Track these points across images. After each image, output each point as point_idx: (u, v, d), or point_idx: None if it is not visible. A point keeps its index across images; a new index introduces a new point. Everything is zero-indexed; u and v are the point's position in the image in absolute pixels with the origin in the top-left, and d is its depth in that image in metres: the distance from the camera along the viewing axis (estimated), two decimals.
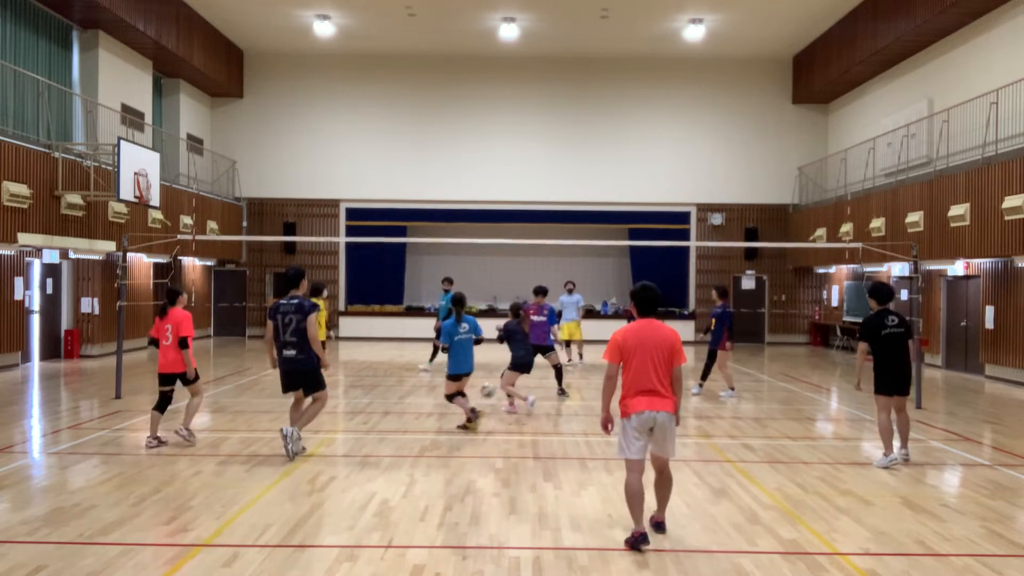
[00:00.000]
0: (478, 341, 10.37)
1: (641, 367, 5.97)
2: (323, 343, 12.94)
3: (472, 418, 10.21)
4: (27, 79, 16.54)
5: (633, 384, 6.00)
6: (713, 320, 13.51)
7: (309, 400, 8.85)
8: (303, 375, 8.58)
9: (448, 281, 16.42)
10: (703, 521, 6.62)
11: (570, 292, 17.75)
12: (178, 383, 9.20)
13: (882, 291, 8.58)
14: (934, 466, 8.78)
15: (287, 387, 8.73)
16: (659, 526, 6.26)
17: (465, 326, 10.21)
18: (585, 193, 25.38)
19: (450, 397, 10.30)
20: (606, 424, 6.22)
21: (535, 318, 13.62)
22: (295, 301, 8.50)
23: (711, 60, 25.22)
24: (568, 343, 17.89)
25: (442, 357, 17.40)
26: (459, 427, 10.31)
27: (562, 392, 13.43)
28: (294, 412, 8.86)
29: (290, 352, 8.48)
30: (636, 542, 5.84)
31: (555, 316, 14.35)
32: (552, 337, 13.81)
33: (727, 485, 7.76)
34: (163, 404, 9.19)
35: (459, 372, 10.18)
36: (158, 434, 9.13)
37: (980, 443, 9.97)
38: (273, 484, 7.55)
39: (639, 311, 6.22)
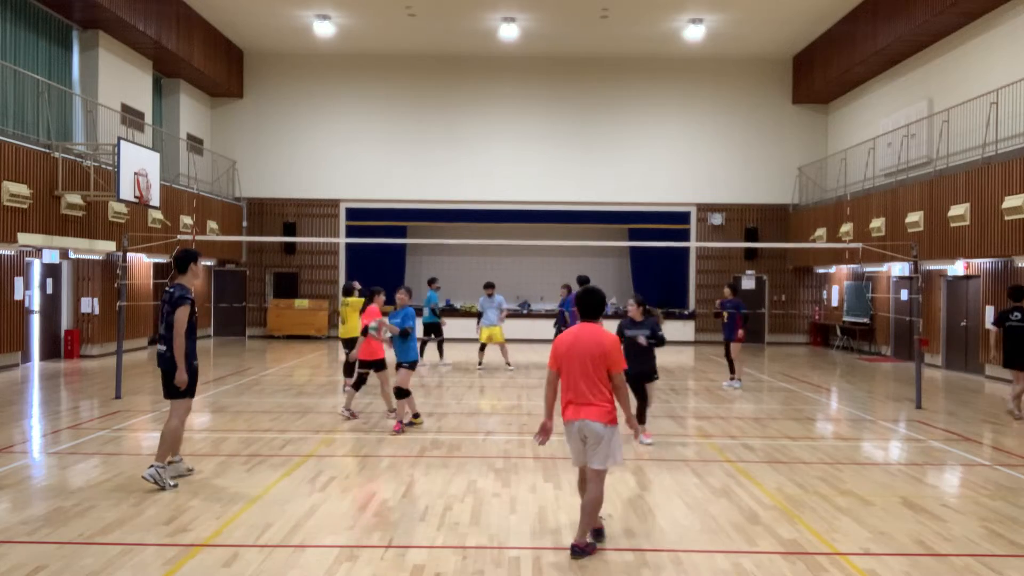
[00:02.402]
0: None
1: (570, 374, 5.78)
2: (354, 339, 13.17)
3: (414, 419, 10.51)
4: (27, 79, 16.53)
5: (563, 392, 5.85)
6: (726, 314, 14.42)
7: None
8: (167, 375, 7.35)
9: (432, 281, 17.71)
10: (703, 521, 6.62)
11: (490, 295, 17.03)
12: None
13: (1014, 291, 11.51)
14: (934, 466, 8.78)
15: (164, 389, 7.49)
16: (574, 550, 5.69)
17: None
18: (585, 193, 25.38)
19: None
20: (543, 430, 5.98)
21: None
22: (170, 290, 7.34)
23: (711, 60, 25.22)
24: (483, 346, 17.20)
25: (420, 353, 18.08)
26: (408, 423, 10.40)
27: None
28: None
29: (161, 347, 7.34)
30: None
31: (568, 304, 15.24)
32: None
33: (727, 485, 7.76)
34: (359, 383, 11.06)
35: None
36: (350, 408, 11.04)
37: (980, 443, 9.97)
38: (273, 484, 7.55)
39: (580, 315, 6.01)
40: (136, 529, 6.21)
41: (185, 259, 7.46)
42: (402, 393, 10.12)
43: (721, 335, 15.02)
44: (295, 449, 9.09)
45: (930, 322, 18.41)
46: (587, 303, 5.99)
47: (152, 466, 7.31)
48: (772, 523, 6.56)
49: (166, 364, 7.35)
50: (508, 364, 17.04)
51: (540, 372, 14.34)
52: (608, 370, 5.74)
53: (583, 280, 15.38)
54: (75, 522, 6.35)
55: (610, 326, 20.67)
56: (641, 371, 9.43)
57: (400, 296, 10.38)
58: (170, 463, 7.52)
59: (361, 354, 10.88)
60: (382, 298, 11.20)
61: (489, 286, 17.29)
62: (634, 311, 9.62)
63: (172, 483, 7.35)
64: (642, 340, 9.45)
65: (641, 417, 9.56)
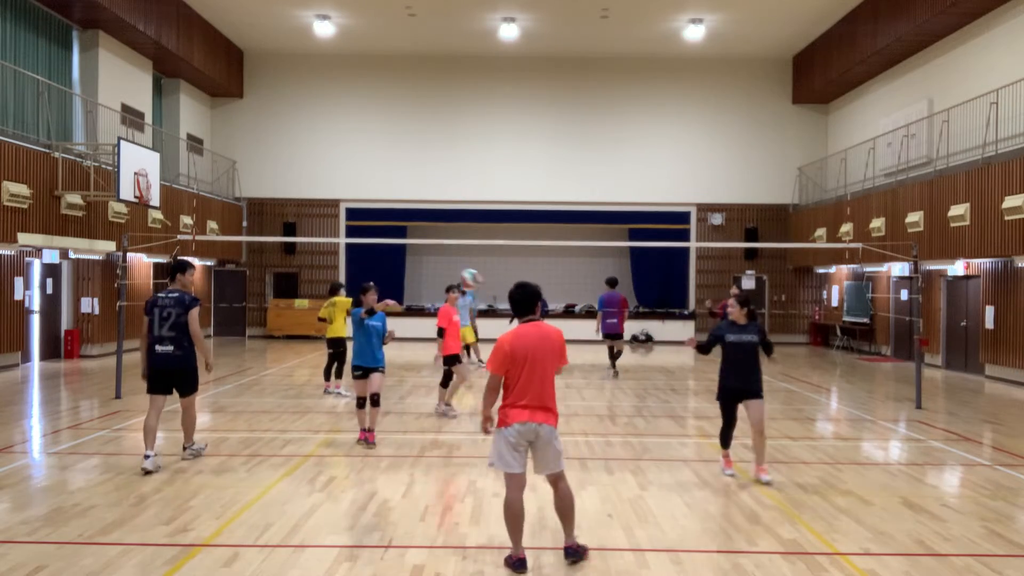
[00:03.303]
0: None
1: (530, 376, 5.45)
2: (340, 339, 13.15)
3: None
4: (27, 79, 16.53)
5: (518, 394, 5.46)
6: None
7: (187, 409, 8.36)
8: (180, 373, 8.04)
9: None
10: (703, 521, 6.62)
11: (463, 293, 16.69)
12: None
13: None
14: (934, 466, 8.78)
15: (156, 387, 8.02)
16: (569, 551, 5.60)
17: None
18: (585, 193, 25.38)
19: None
20: (486, 425, 5.63)
21: (613, 309, 15.81)
22: (175, 294, 8.07)
23: (711, 60, 25.22)
24: (468, 346, 17.11)
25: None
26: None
27: (615, 374, 16.15)
28: (153, 423, 7.99)
29: (166, 348, 7.95)
30: (516, 565, 5.42)
31: (602, 304, 16.03)
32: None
33: (727, 485, 7.76)
34: (446, 380, 11.53)
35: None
36: (449, 402, 11.56)
37: (980, 443, 9.97)
38: (273, 484, 7.55)
39: (517, 314, 5.65)
40: (136, 529, 6.21)
41: (173, 269, 8.31)
42: (377, 400, 9.36)
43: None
44: (295, 449, 9.09)
45: (930, 322, 18.41)
46: (522, 299, 5.63)
47: (186, 447, 8.49)
48: (772, 523, 6.56)
49: (175, 363, 8.02)
50: (480, 360, 17.40)
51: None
52: (557, 366, 5.61)
53: (612, 281, 16.34)
54: (75, 522, 6.35)
55: (581, 325, 20.20)
56: (744, 387, 7.84)
57: (372, 297, 9.36)
58: (147, 456, 7.99)
59: (445, 350, 11.19)
60: (456, 295, 11.49)
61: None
62: (736, 313, 7.95)
63: (203, 446, 8.72)
64: (748, 338, 7.78)
65: (760, 455, 7.89)
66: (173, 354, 7.95)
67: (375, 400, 9.26)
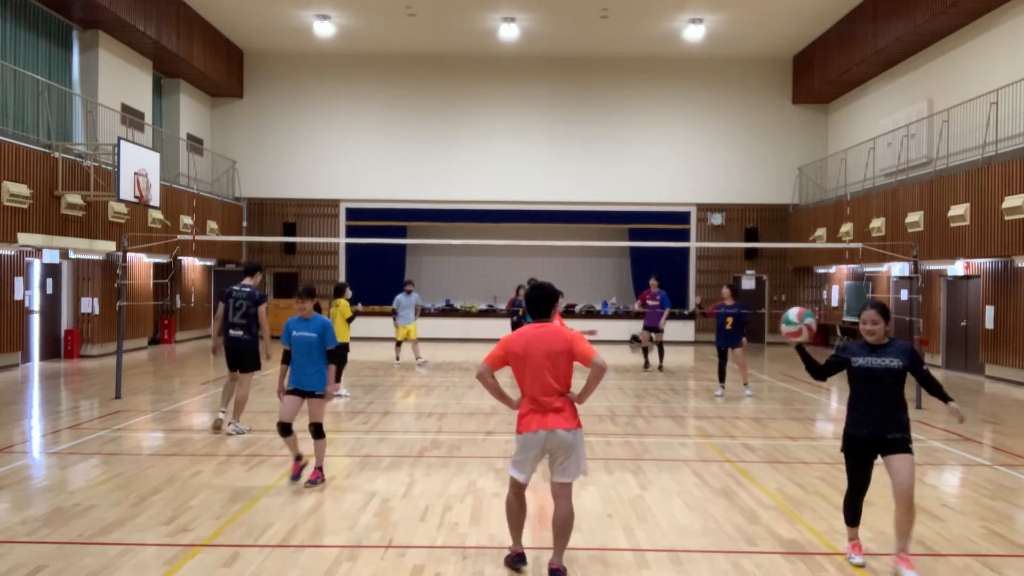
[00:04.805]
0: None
1: (531, 378, 5.28)
2: (346, 344, 13.07)
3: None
4: (27, 79, 16.53)
5: (525, 398, 5.35)
6: (730, 319, 13.55)
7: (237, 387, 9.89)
8: (247, 354, 9.74)
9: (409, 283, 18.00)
10: (703, 521, 6.62)
11: (408, 293, 17.41)
12: None
13: None
14: (934, 466, 8.78)
15: (232, 364, 9.82)
16: (553, 573, 5.22)
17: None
18: (585, 193, 25.38)
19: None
20: (513, 404, 5.48)
21: (650, 303, 16.79)
22: (247, 289, 9.67)
23: (711, 60, 25.22)
24: (400, 343, 17.66)
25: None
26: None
27: (660, 368, 17.28)
28: (230, 391, 9.94)
29: (237, 332, 9.65)
30: (514, 561, 5.43)
31: (668, 300, 16.97)
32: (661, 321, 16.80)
33: (727, 485, 7.76)
34: None
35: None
36: None
37: (980, 443, 9.97)
38: (273, 484, 7.55)
39: (532, 314, 5.48)
40: (136, 529, 6.21)
41: (252, 269, 9.94)
42: (320, 431, 7.57)
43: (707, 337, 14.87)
44: None
45: (930, 322, 18.41)
46: (538, 300, 5.46)
47: (231, 423, 9.76)
48: (772, 523, 6.56)
49: (244, 346, 9.66)
50: (419, 358, 17.78)
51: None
52: (581, 363, 5.26)
53: (658, 277, 17.29)
54: (75, 522, 6.35)
55: (606, 325, 20.61)
56: (877, 435, 5.46)
57: (306, 307, 7.54)
58: (221, 412, 9.94)
59: None
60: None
61: (408, 283, 17.82)
62: (875, 331, 5.58)
63: (247, 428, 9.84)
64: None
65: (903, 534, 5.39)
66: (242, 338, 9.66)
67: (317, 431, 7.51)
